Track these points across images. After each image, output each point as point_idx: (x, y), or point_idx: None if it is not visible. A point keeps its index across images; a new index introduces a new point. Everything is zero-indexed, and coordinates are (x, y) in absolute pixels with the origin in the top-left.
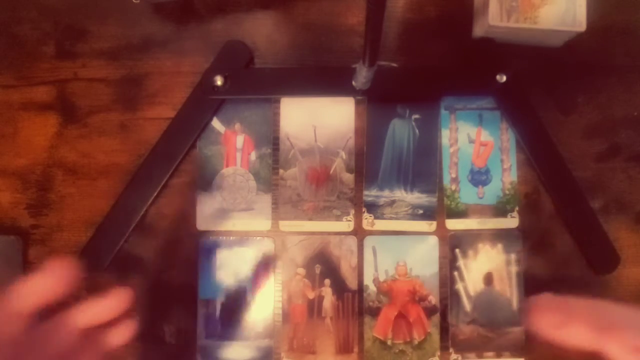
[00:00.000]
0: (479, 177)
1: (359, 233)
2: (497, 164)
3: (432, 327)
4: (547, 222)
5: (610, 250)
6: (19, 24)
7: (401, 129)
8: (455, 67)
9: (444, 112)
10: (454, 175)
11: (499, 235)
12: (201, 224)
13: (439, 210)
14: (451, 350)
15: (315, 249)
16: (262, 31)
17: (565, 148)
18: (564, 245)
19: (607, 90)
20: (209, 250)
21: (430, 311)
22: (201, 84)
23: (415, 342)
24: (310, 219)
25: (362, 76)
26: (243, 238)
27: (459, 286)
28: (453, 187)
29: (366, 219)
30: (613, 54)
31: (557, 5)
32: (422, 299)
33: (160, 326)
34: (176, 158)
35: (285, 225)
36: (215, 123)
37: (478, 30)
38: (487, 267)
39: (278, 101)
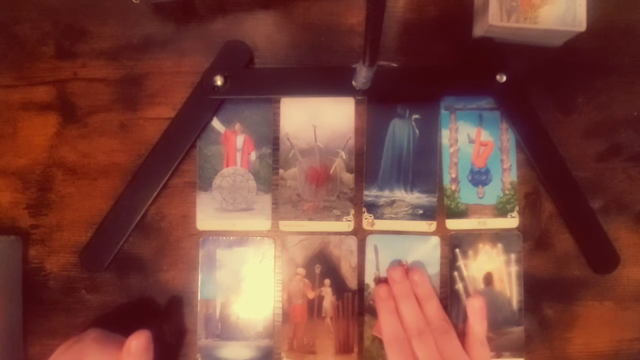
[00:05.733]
0: (479, 177)
1: (359, 233)
2: (497, 164)
3: None
4: (547, 222)
5: (610, 250)
6: (19, 24)
7: (401, 129)
8: (455, 67)
9: (444, 112)
10: (454, 175)
11: (499, 235)
12: (201, 224)
13: (439, 210)
14: None
15: (315, 249)
16: (262, 31)
17: (565, 148)
18: (564, 245)
19: (607, 90)
20: (209, 250)
21: None
22: (201, 84)
23: None
24: (310, 219)
25: (362, 76)
26: (243, 238)
27: (459, 286)
28: (453, 187)
29: (366, 219)
30: (613, 54)
31: (557, 5)
32: None
33: (160, 326)
34: (176, 158)
35: (285, 225)
36: (215, 123)
37: (478, 30)
38: (487, 267)
39: (278, 101)
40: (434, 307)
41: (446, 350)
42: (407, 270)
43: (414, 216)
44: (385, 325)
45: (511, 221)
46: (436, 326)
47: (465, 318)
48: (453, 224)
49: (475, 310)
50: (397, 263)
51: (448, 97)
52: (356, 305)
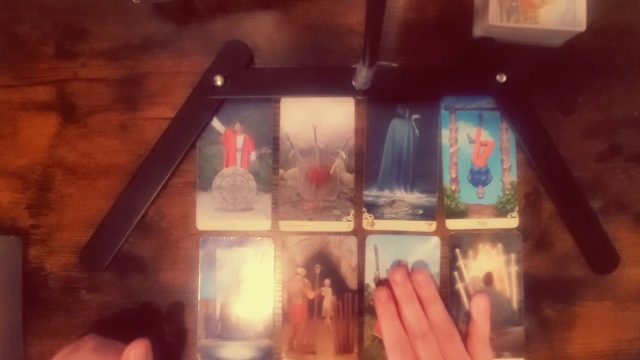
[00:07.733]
0: (479, 177)
1: (359, 233)
2: (497, 164)
3: None
4: (547, 222)
5: (610, 250)
6: (19, 24)
7: (401, 129)
8: (455, 67)
9: (444, 112)
10: (454, 175)
11: (499, 235)
12: (201, 224)
13: (439, 210)
14: None
15: (315, 249)
16: (262, 31)
17: (565, 148)
18: (564, 245)
19: (607, 90)
20: (209, 250)
21: None
22: (201, 84)
23: None
24: (310, 219)
25: (362, 76)
26: (243, 238)
27: (459, 286)
28: (453, 187)
29: (366, 219)
30: (613, 54)
31: (557, 5)
32: None
33: (160, 326)
34: (176, 158)
35: (285, 225)
36: (215, 123)
37: (478, 30)
38: (487, 267)
39: (278, 101)
40: (438, 310)
41: (450, 353)
42: (409, 271)
43: (414, 216)
44: (387, 330)
45: (511, 221)
46: (440, 329)
47: (465, 318)
48: (453, 224)
49: (480, 310)
50: (398, 263)
51: (448, 97)
52: (356, 305)
